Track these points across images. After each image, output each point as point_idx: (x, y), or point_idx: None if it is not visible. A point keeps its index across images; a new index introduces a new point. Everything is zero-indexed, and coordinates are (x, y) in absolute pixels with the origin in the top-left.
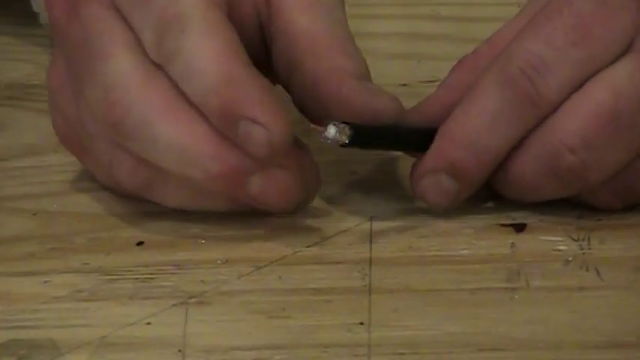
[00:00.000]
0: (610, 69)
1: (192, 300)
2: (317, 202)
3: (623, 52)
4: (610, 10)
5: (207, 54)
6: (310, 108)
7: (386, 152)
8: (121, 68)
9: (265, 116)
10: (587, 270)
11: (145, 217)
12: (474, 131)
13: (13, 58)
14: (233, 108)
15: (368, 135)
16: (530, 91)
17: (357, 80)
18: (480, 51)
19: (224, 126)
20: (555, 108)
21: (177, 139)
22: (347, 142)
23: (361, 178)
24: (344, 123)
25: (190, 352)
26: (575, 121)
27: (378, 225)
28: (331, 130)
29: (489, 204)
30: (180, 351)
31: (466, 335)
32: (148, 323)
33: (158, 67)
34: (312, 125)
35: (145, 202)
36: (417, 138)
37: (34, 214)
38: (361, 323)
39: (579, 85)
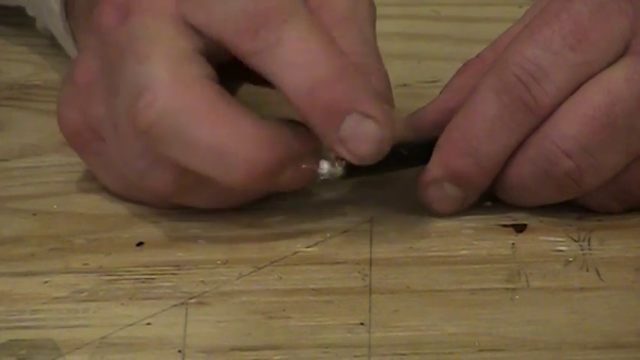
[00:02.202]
0: (606, 72)
1: (192, 300)
2: (317, 203)
3: (619, 56)
4: (607, 14)
5: (317, 46)
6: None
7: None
8: (155, 71)
9: (378, 112)
10: (587, 270)
11: (145, 217)
12: (473, 138)
13: (13, 58)
14: (344, 100)
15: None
16: (527, 98)
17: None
18: (483, 55)
19: (326, 121)
20: (553, 112)
21: (218, 144)
22: (343, 173)
23: (361, 178)
24: (338, 158)
25: (190, 353)
26: (571, 126)
27: (378, 225)
28: (324, 166)
29: (489, 204)
30: (180, 351)
31: (466, 336)
32: (148, 324)
33: (200, 65)
34: (304, 165)
35: (144, 202)
36: (416, 154)
37: (34, 215)
38: (361, 324)
39: (576, 89)
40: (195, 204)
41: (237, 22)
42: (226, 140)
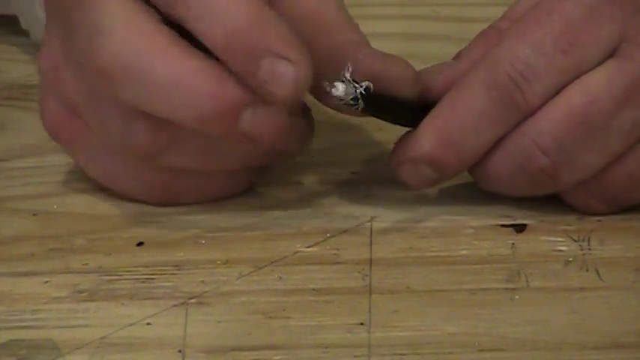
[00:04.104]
0: (590, 73)
1: (192, 300)
2: (317, 203)
3: (606, 58)
4: (598, 17)
5: None
6: (323, 85)
7: (386, 150)
8: (106, 14)
9: (293, 53)
10: (587, 270)
11: (145, 217)
12: (458, 130)
13: (13, 58)
14: (259, 45)
15: (380, 97)
16: (517, 97)
17: (371, 49)
18: (498, 26)
19: (245, 66)
20: (536, 110)
21: (171, 78)
22: (363, 93)
23: (361, 178)
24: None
25: (190, 353)
26: (549, 123)
27: (378, 225)
28: (340, 87)
29: (489, 204)
30: (180, 351)
31: (466, 336)
32: (148, 324)
33: (149, 10)
34: (324, 83)
35: (144, 202)
36: (417, 111)
37: (34, 215)
38: (361, 324)
39: (562, 89)
40: (180, 164)
41: None
42: (179, 73)
